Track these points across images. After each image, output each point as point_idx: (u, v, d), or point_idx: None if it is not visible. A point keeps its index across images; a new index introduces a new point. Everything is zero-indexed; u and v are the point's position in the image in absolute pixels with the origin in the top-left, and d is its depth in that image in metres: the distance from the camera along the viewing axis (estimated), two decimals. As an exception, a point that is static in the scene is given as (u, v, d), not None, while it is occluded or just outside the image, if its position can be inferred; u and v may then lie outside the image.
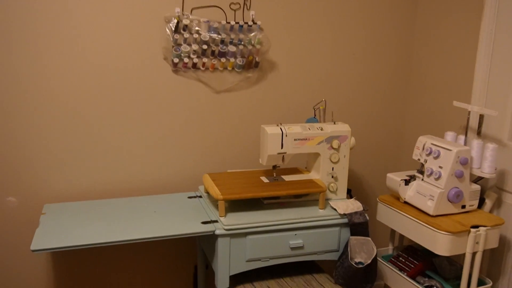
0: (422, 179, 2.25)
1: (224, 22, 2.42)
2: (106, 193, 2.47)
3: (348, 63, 2.76)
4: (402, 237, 2.61)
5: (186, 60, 2.40)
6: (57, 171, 2.36)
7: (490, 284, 2.24)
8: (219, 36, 2.40)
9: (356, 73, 2.79)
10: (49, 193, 2.38)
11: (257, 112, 2.64)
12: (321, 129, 2.28)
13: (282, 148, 2.23)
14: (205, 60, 2.44)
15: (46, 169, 2.35)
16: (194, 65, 2.43)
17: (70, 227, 2.04)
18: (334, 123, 2.34)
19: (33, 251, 1.84)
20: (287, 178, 2.34)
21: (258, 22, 2.46)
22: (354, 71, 2.78)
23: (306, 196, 2.32)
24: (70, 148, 2.36)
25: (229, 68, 2.50)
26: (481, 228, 2.08)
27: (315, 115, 2.52)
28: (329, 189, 2.33)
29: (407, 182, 2.29)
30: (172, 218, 2.17)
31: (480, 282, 2.23)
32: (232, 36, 2.43)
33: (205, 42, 2.40)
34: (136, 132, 2.45)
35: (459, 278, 2.21)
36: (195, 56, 2.40)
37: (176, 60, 2.39)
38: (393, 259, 2.42)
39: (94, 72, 2.32)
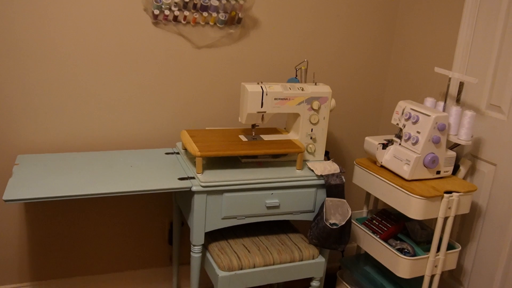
0: (400, 144, 2.26)
1: (207, -26, 2.35)
2: (82, 147, 2.43)
3: (331, 25, 2.72)
4: (376, 200, 2.65)
5: (167, 12, 2.33)
6: (32, 122, 2.31)
7: (459, 249, 2.30)
8: (202, -11, 2.34)
9: (340, 35, 2.76)
10: (22, 144, 2.32)
11: (238, 69, 2.60)
12: (302, 90, 2.26)
13: (262, 107, 2.21)
14: (186, 13, 2.37)
15: (20, 120, 2.29)
16: (175, 18, 2.37)
17: (44, 178, 2.01)
18: (315, 84, 2.33)
19: (6, 201, 1.81)
20: (265, 137, 2.33)
21: (243, -23, 2.40)
22: (337, 33, 2.75)
23: (284, 156, 2.32)
24: (45, 99, 2.30)
25: (211, 23, 2.44)
26: (454, 193, 2.12)
27: (296, 75, 2.50)
28: (307, 150, 2.33)
29: (384, 146, 2.30)
30: (149, 173, 2.15)
31: (450, 246, 2.29)
32: (216, -10, 2.36)
33: (188, -5, 2.33)
34: (113, 86, 2.39)
35: (430, 242, 2.26)
36: (177, 8, 2.34)
37: (156, 11, 2.32)
38: (367, 222, 2.46)
39: (70, 21, 2.24)
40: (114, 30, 2.32)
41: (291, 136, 2.37)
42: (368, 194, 2.57)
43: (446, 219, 2.15)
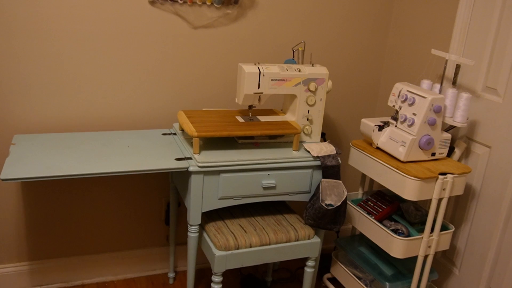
0: (396, 126, 2.27)
1: (205, -46, 2.33)
2: (79, 127, 2.42)
3: (329, 6, 2.70)
4: (372, 182, 2.67)
5: (164, -8, 2.32)
6: (29, 102, 2.30)
7: (453, 229, 2.33)
8: (199, -31, 2.32)
9: (337, 16, 2.75)
10: (19, 124, 2.32)
11: (235, 50, 2.59)
12: (299, 71, 2.26)
13: (259, 88, 2.21)
14: (183, -7, 2.36)
15: (16, 100, 2.28)
16: (172, -2, 2.36)
17: (42, 158, 2.01)
18: (312, 65, 2.32)
19: (3, 180, 1.82)
20: (262, 118, 2.34)
21: (240, -44, 2.38)
22: (335, 14, 2.74)
23: (280, 138, 2.33)
24: (42, 79, 2.29)
25: (208, 3, 2.42)
26: (448, 175, 2.14)
27: (293, 57, 2.49)
28: (303, 132, 2.34)
29: (380, 128, 2.31)
30: (146, 153, 2.15)
31: (444, 227, 2.32)
32: (213, -31, 2.34)
33: (185, -26, 2.31)
34: (109, 66, 2.38)
35: (424, 223, 2.29)
36: (174, -12, 2.32)
37: (153, -9, 2.30)
38: (362, 203, 2.48)
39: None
40: (110, 9, 2.30)
41: (288, 117, 2.37)
42: (364, 176, 2.59)
43: (440, 200, 2.18)
